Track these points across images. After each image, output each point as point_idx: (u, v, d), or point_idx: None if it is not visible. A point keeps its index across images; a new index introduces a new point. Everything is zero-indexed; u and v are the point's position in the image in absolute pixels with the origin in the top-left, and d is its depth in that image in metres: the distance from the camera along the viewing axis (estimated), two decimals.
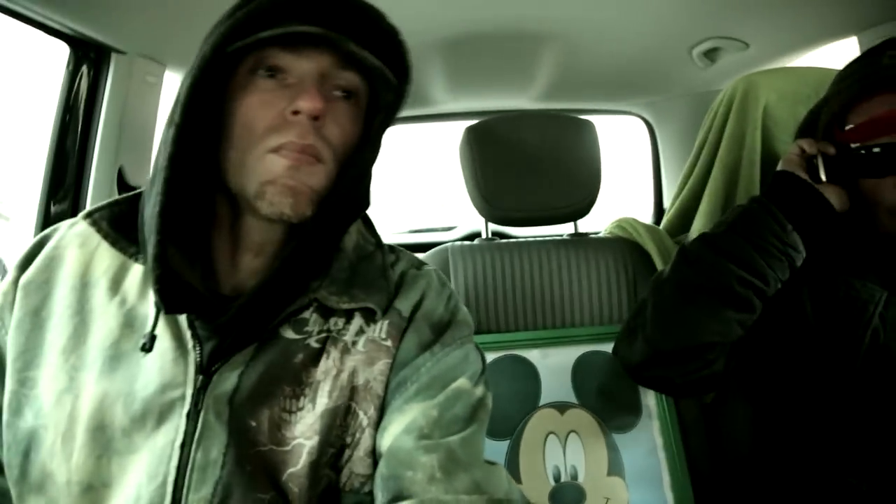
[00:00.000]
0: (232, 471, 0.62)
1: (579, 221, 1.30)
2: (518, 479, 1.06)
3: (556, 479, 1.08)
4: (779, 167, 0.96)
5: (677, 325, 0.92)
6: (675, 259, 0.97)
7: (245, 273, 0.68)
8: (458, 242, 1.27)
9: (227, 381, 0.64)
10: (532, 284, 1.21)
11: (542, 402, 1.12)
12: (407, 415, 0.67)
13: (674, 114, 1.93)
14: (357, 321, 0.69)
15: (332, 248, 0.71)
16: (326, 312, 0.68)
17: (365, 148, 0.68)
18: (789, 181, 0.93)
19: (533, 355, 1.15)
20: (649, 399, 1.14)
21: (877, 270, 0.92)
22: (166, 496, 0.61)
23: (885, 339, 0.88)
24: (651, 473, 1.10)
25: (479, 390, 0.71)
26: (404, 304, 0.71)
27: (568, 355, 1.15)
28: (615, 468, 1.09)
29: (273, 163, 0.63)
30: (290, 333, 0.66)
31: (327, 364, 0.67)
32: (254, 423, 0.64)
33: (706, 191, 1.24)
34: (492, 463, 0.67)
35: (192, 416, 0.63)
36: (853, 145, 0.90)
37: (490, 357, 1.14)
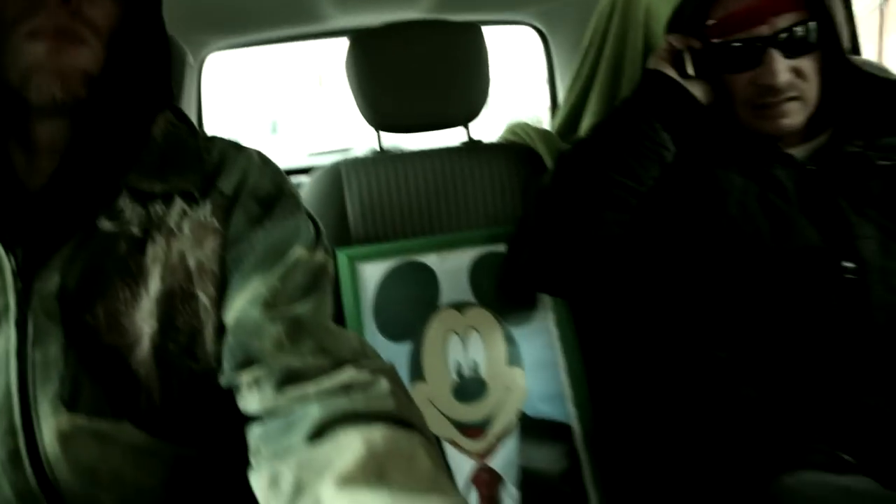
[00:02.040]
0: (76, 366, 0.64)
1: (473, 131, 1.33)
2: (422, 378, 1.12)
3: (459, 374, 1.14)
4: (648, 64, 1.02)
5: (560, 230, 0.98)
6: (555, 167, 1.02)
7: (43, 175, 0.68)
8: (351, 157, 1.28)
9: (50, 280, 0.64)
10: (427, 193, 1.25)
11: (442, 303, 1.18)
12: (249, 288, 0.69)
13: (565, 21, 1.96)
14: (178, 205, 0.70)
15: (138, 137, 0.71)
16: (142, 199, 0.69)
17: (137, 27, 0.68)
18: (657, 79, 0.99)
19: (430, 260, 1.19)
20: (544, 294, 1.20)
21: (738, 161, 0.99)
22: (13, 403, 0.63)
23: (742, 225, 0.96)
24: (548, 362, 1.18)
25: (319, 257, 0.74)
26: (226, 184, 0.73)
27: (464, 257, 1.21)
28: (514, 360, 1.17)
29: (31, 49, 0.62)
30: (107, 225, 0.67)
31: (155, 250, 0.68)
32: (90, 318, 0.65)
33: (593, 90, 1.30)
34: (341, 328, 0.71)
35: (21, 322, 0.63)
36: (714, 40, 0.96)
37: (388, 265, 1.18)
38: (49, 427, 0.63)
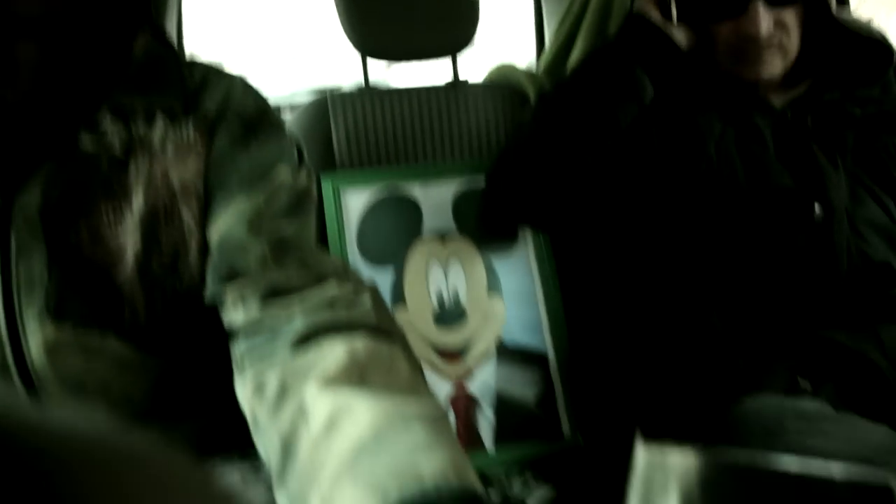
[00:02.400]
0: (60, 282, 0.65)
1: (461, 71, 1.33)
2: (403, 303, 1.16)
3: (440, 301, 1.18)
4: (634, 7, 1.03)
5: (539, 167, 1.01)
6: (536, 106, 1.04)
7: (24, 93, 0.66)
8: (338, 91, 1.29)
9: (31, 197, 0.65)
10: (412, 129, 1.26)
11: (425, 232, 1.20)
12: (233, 207, 0.70)
13: None
14: (160, 124, 0.70)
15: (118, 53, 0.70)
16: (123, 117, 0.69)
17: None
18: (639, 23, 1.00)
19: (414, 191, 1.21)
20: (525, 227, 1.24)
21: (717, 106, 1.02)
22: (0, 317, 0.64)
23: (718, 167, 0.99)
24: (526, 292, 1.22)
25: (302, 180, 0.75)
26: (209, 103, 0.73)
27: (448, 188, 1.23)
28: (494, 289, 1.20)
29: None
30: (88, 142, 0.67)
31: (137, 169, 0.68)
32: (73, 235, 0.66)
33: (581, 31, 1.30)
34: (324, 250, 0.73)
35: (4, 238, 0.64)
36: None
37: (372, 193, 1.20)
38: (35, 339, 0.65)
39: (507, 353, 1.19)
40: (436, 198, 1.22)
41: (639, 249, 1.07)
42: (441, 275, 1.19)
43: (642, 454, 0.33)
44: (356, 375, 0.56)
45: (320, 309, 0.63)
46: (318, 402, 0.54)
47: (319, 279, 0.66)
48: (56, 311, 0.65)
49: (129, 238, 0.68)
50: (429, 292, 1.18)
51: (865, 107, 1.01)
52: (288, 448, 0.54)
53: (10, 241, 0.64)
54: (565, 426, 1.21)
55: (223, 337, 0.72)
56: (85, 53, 0.67)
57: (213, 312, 0.71)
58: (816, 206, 0.95)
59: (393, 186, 1.21)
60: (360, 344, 0.59)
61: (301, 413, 0.54)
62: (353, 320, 0.62)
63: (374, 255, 1.17)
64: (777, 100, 1.02)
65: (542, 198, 1.04)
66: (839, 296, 0.94)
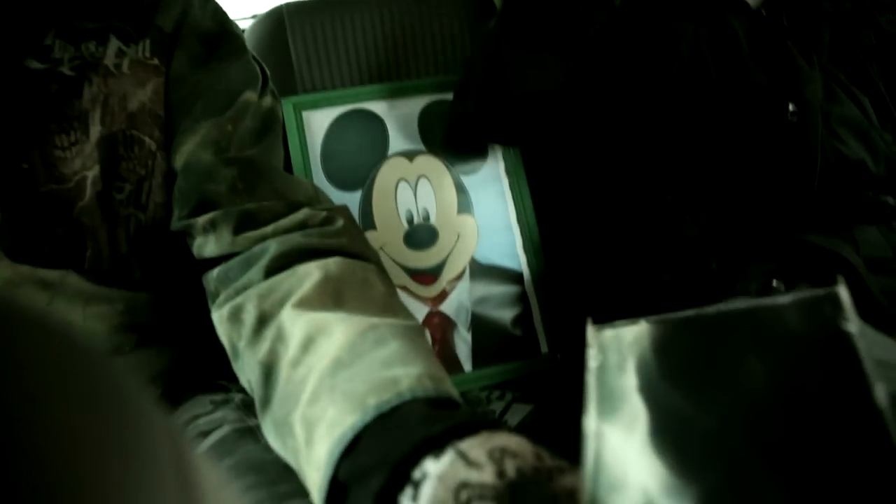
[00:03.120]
0: (14, 212, 0.63)
1: None
2: (373, 226, 1.13)
3: (410, 221, 1.15)
4: None
5: (506, 74, 0.97)
6: (501, 11, 0.99)
7: None
8: (293, 1, 1.23)
9: None
10: (375, 42, 1.21)
11: (391, 151, 1.17)
12: (199, 132, 0.68)
13: None
14: (114, 43, 0.67)
15: None
16: (73, 36, 0.65)
17: None
18: None
19: (379, 107, 1.17)
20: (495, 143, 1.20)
21: (689, 6, 0.97)
22: None
23: (692, 68, 0.95)
24: (498, 210, 1.20)
25: (267, 101, 0.72)
26: (165, 21, 0.69)
27: (414, 105, 1.19)
28: (464, 207, 1.18)
29: None
30: (35, 64, 0.63)
31: (92, 91, 0.65)
32: (25, 165, 0.63)
33: None
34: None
35: None
36: None
37: (335, 112, 1.16)
38: None
39: (481, 272, 1.18)
40: (401, 115, 1.17)
41: (612, 155, 1.05)
42: (410, 195, 1.16)
43: (593, 336, 0.34)
44: (331, 297, 0.56)
45: (293, 235, 0.62)
46: (296, 324, 0.54)
47: (291, 205, 0.65)
48: (12, 249, 0.62)
49: (86, 166, 0.65)
50: (398, 213, 1.15)
51: (842, 3, 0.98)
52: (269, 373, 0.54)
53: None
54: (543, 344, 1.21)
55: (190, 268, 0.70)
56: None
57: (178, 244, 0.70)
58: (791, 105, 0.93)
59: (356, 106, 1.17)
60: (334, 266, 0.59)
61: (280, 338, 0.54)
62: (326, 244, 0.61)
63: (339, 178, 1.14)
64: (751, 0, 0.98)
65: (510, 112, 1.00)
66: (814, 197, 0.92)
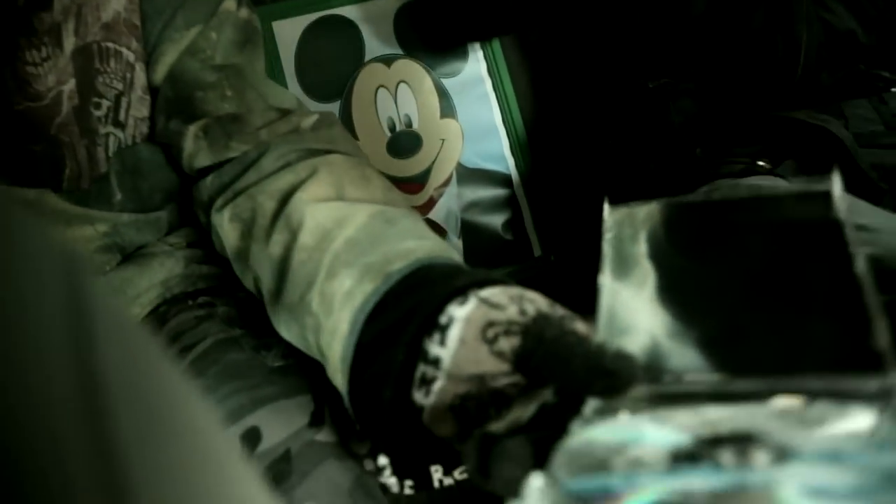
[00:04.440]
0: None
1: None
2: (354, 136, 1.11)
3: (392, 129, 1.14)
4: None
5: None
6: None
7: None
8: None
9: None
10: None
11: (367, 57, 1.14)
12: (181, 40, 0.66)
13: None
14: None
15: None
16: None
17: None
18: None
19: (351, 12, 1.14)
20: (475, 43, 1.17)
21: None
22: None
23: None
24: (482, 111, 1.18)
25: (245, 12, 0.71)
26: None
27: (388, 6, 1.15)
28: (447, 111, 1.16)
29: None
30: None
31: (63, 2, 0.63)
32: None
33: None
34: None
35: None
36: None
37: (306, 20, 1.13)
38: None
39: (469, 176, 1.17)
40: (376, 19, 1.14)
41: (591, 42, 1.02)
42: (390, 101, 1.14)
43: (609, 213, 0.37)
44: (335, 189, 0.56)
45: (290, 139, 0.62)
46: (305, 215, 0.54)
47: (282, 111, 0.65)
48: None
49: (61, 80, 0.63)
50: (379, 121, 1.13)
51: None
52: (282, 264, 0.54)
53: None
54: (536, 247, 1.21)
55: (171, 184, 0.71)
56: None
57: (160, 161, 0.69)
58: None
59: (328, 12, 1.14)
60: (333, 162, 0.59)
61: (291, 233, 0.54)
62: (322, 146, 0.61)
63: (316, 89, 1.12)
64: None
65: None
66: (802, 73, 0.90)
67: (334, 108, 1.12)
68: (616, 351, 0.32)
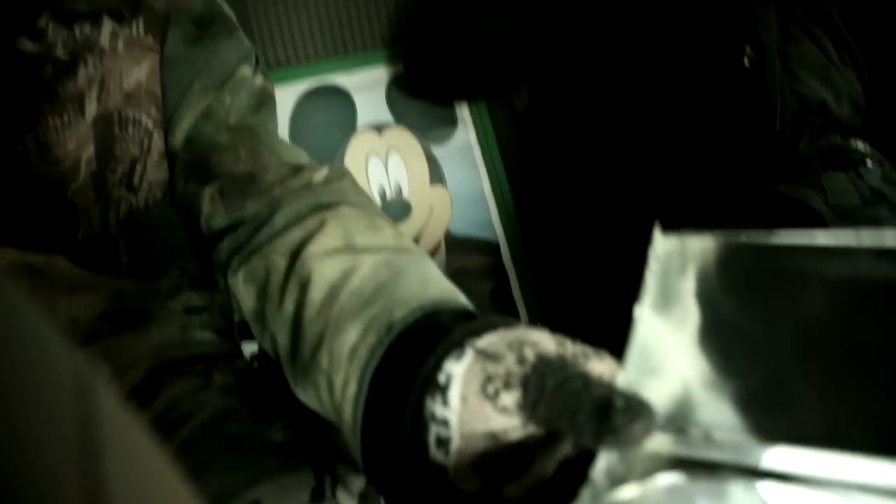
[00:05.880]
0: (6, 196, 0.63)
1: None
2: None
3: (382, 197, 1.15)
4: None
5: (450, 25, 0.96)
6: None
7: None
8: None
9: None
10: (338, 13, 1.20)
11: (360, 125, 1.16)
12: (198, 106, 0.68)
13: None
14: (107, 25, 0.67)
15: None
16: (66, 18, 0.65)
17: None
18: None
19: (344, 80, 1.16)
20: (462, 109, 1.21)
21: None
22: None
23: (641, 12, 0.95)
24: (471, 179, 1.20)
25: (262, 81, 0.73)
26: (156, 2, 0.70)
27: (380, 76, 1.18)
28: (437, 178, 1.18)
29: None
30: (28, 46, 0.63)
31: (88, 72, 0.65)
32: (18, 147, 0.63)
33: None
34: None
35: None
36: None
37: (300, 88, 1.15)
38: None
39: (457, 244, 1.18)
40: (368, 87, 1.17)
41: (575, 108, 1.05)
42: (381, 168, 1.15)
43: (659, 240, 0.34)
44: (345, 242, 0.56)
45: (301, 194, 0.62)
46: (316, 271, 0.54)
47: (294, 167, 0.65)
48: (1, 233, 0.62)
49: (81, 146, 0.65)
50: (370, 189, 1.15)
51: None
52: (295, 325, 0.54)
53: None
54: (522, 314, 1.21)
55: (178, 251, 0.71)
56: None
57: (170, 228, 0.70)
58: (747, 48, 0.92)
59: (322, 80, 1.16)
60: (342, 215, 0.59)
61: (301, 290, 0.54)
62: (333, 199, 0.61)
63: (309, 154, 1.12)
64: None
65: (455, 62, 1.00)
66: (777, 144, 0.92)
67: None
68: (630, 398, 0.29)
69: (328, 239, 0.56)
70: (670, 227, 0.90)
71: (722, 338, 0.31)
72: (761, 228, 0.89)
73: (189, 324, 0.74)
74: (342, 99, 1.16)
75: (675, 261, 0.33)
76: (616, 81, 0.98)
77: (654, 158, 0.97)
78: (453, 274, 1.17)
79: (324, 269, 0.54)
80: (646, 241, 0.95)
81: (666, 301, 0.32)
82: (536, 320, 1.21)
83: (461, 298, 0.50)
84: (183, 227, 0.70)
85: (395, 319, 0.46)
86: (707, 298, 0.32)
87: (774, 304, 0.32)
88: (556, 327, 1.14)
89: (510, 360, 0.37)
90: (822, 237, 0.33)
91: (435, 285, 0.50)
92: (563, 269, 1.18)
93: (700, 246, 0.33)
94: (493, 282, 1.20)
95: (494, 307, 1.20)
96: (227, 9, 0.76)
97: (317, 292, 0.53)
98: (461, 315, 0.46)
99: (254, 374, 0.60)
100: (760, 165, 0.92)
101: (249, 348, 0.95)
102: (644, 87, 0.96)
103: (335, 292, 0.52)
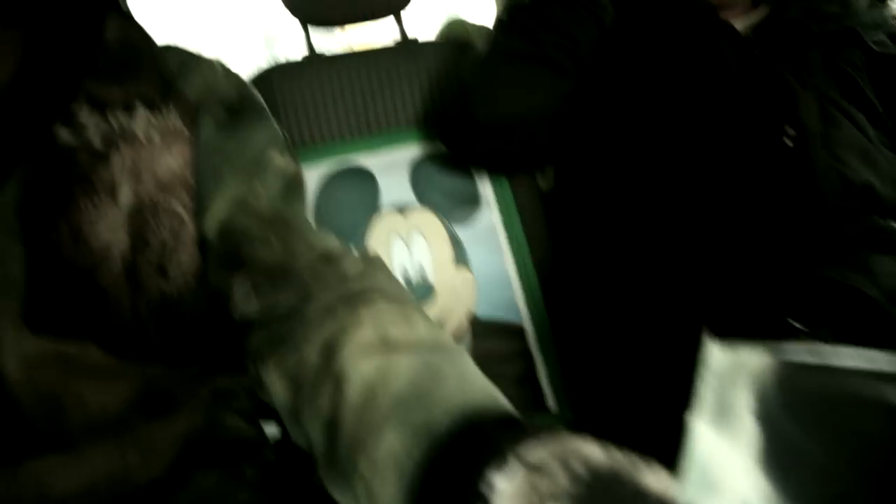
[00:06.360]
0: (39, 284, 0.62)
1: (408, 31, 1.28)
2: None
3: (405, 279, 1.13)
4: None
5: (497, 94, 0.96)
6: (492, 32, 0.99)
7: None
8: (281, 63, 1.23)
9: (8, 196, 0.62)
10: (363, 95, 1.21)
11: (383, 205, 1.15)
12: (230, 195, 0.69)
13: None
14: (141, 113, 0.68)
15: (91, 40, 0.68)
16: (101, 108, 0.66)
17: None
18: None
19: (369, 162, 1.16)
20: (486, 189, 1.20)
21: (680, 34, 0.98)
22: None
23: (684, 97, 0.95)
24: (496, 262, 1.18)
25: (291, 165, 0.74)
26: (190, 89, 0.72)
27: (404, 157, 1.18)
28: (461, 261, 1.16)
29: None
30: (65, 136, 0.64)
31: (122, 161, 0.66)
32: (53, 236, 0.63)
33: None
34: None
35: None
36: None
37: (324, 168, 1.15)
38: (12, 351, 0.61)
39: (482, 328, 1.15)
40: (392, 168, 1.17)
41: (610, 192, 1.03)
42: (404, 250, 1.14)
43: (713, 352, 0.33)
44: (380, 339, 0.56)
45: (335, 284, 0.63)
46: (353, 371, 0.53)
47: (327, 257, 0.66)
48: (34, 321, 0.62)
49: (115, 235, 0.65)
50: (393, 270, 1.12)
51: (826, 24, 0.98)
52: (331, 427, 0.53)
53: None
54: (550, 400, 1.17)
55: (206, 337, 0.71)
56: (59, 43, 0.65)
57: (199, 314, 0.70)
58: (788, 129, 0.91)
59: (346, 160, 1.16)
60: (378, 309, 0.59)
61: (337, 389, 0.54)
62: (367, 292, 0.61)
63: (332, 234, 1.11)
64: (739, 24, 0.98)
65: (501, 134, 0.99)
66: (822, 226, 0.90)
67: None
68: None
69: (362, 333, 0.55)
70: (711, 317, 0.86)
71: (782, 458, 0.30)
72: (814, 316, 0.85)
73: (217, 409, 0.74)
74: (366, 179, 1.16)
75: (730, 375, 0.32)
76: (649, 162, 0.97)
77: (690, 243, 0.94)
78: (478, 358, 1.13)
79: (359, 368, 0.53)
80: (680, 328, 0.91)
81: (722, 416, 0.32)
82: (564, 407, 1.16)
83: (502, 401, 0.49)
84: (213, 313, 0.70)
85: (438, 427, 0.45)
86: (766, 417, 0.31)
87: (836, 427, 0.30)
88: (584, 415, 1.09)
89: (561, 476, 0.36)
90: (884, 363, 0.31)
91: (475, 388, 0.50)
92: (591, 353, 1.14)
93: (756, 362, 0.32)
94: (519, 366, 1.16)
95: (521, 393, 1.16)
96: (256, 93, 0.78)
97: (353, 392, 0.52)
98: (505, 422, 0.45)
99: (285, 467, 0.58)
100: (806, 249, 0.89)
101: (270, 430, 0.93)
102: (680, 171, 0.95)
103: (372, 393, 0.51)
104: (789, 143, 0.90)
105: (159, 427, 0.71)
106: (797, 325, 0.86)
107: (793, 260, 0.90)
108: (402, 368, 0.52)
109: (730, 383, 0.32)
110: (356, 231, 1.14)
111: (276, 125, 0.77)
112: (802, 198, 0.91)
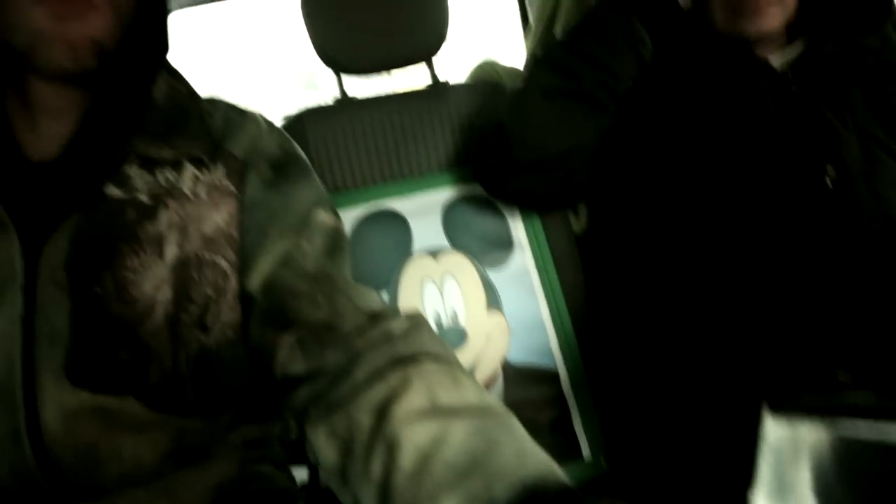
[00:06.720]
0: (83, 338, 0.63)
1: (439, 72, 1.29)
2: None
3: (438, 324, 1.12)
4: None
5: (534, 131, 0.96)
6: (530, 68, 0.99)
7: (49, 140, 0.67)
8: (313, 107, 1.24)
9: (58, 248, 0.63)
10: (395, 138, 1.21)
11: (415, 249, 1.15)
12: (275, 251, 0.70)
13: None
14: (189, 170, 0.69)
15: (142, 100, 0.70)
16: (150, 165, 0.68)
17: None
18: None
19: (401, 205, 1.16)
20: (519, 232, 1.19)
21: (717, 71, 0.97)
22: (16, 379, 0.61)
23: (721, 137, 0.93)
24: (529, 306, 1.16)
25: (334, 220, 0.76)
26: (236, 147, 0.73)
27: (436, 200, 1.18)
28: (494, 305, 1.15)
29: (33, 13, 0.60)
30: (115, 192, 0.66)
31: (169, 216, 0.67)
32: (98, 288, 0.64)
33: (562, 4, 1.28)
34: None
35: (29, 292, 0.62)
36: None
37: (356, 213, 1.15)
38: (52, 404, 0.62)
39: (515, 373, 1.13)
40: (424, 212, 1.16)
41: (647, 233, 1.01)
42: (437, 294, 1.13)
43: (771, 426, 0.34)
44: (430, 402, 0.57)
45: (382, 346, 0.64)
46: (403, 439, 0.55)
47: (371, 316, 0.67)
48: (76, 374, 0.63)
49: (158, 289, 0.66)
50: (425, 314, 1.11)
51: (865, 59, 0.97)
52: (383, 491, 0.54)
53: (35, 294, 0.62)
54: (584, 448, 1.14)
55: (241, 387, 0.72)
56: (114, 103, 0.67)
57: (235, 366, 0.71)
58: (829, 169, 0.89)
59: (378, 204, 1.16)
60: (425, 372, 0.60)
61: (390, 454, 0.55)
62: (413, 352, 0.63)
63: (365, 279, 1.10)
64: (776, 61, 0.97)
65: (539, 170, 0.98)
66: (867, 269, 0.88)
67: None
68: None
69: (413, 398, 0.56)
70: (755, 366, 0.83)
71: None
72: (863, 366, 0.82)
73: (248, 458, 0.74)
74: (398, 223, 1.15)
75: (789, 448, 0.33)
76: (686, 203, 0.96)
77: (731, 288, 0.92)
78: (511, 404, 1.11)
79: (413, 435, 0.54)
80: (721, 377, 0.89)
81: (782, 491, 0.32)
82: (598, 455, 1.13)
83: (559, 473, 0.50)
84: (249, 365, 0.71)
85: (497, 497, 0.46)
86: (825, 493, 0.32)
87: None
88: (618, 465, 1.06)
89: None
90: None
91: (533, 459, 0.51)
92: (628, 401, 1.12)
93: (814, 437, 0.33)
94: (552, 413, 1.14)
95: (554, 441, 1.13)
96: (297, 148, 0.79)
97: (406, 459, 0.53)
98: (563, 494, 0.47)
99: None
100: (851, 294, 0.87)
101: (299, 475, 0.91)
102: (719, 214, 0.93)
103: (426, 461, 0.52)
104: (832, 184, 0.89)
105: (191, 476, 0.71)
106: (842, 374, 0.84)
107: (836, 304, 0.87)
108: (456, 436, 0.52)
109: (789, 459, 0.33)
110: (389, 275, 1.13)
111: (318, 182, 0.78)
112: (846, 240, 0.89)
